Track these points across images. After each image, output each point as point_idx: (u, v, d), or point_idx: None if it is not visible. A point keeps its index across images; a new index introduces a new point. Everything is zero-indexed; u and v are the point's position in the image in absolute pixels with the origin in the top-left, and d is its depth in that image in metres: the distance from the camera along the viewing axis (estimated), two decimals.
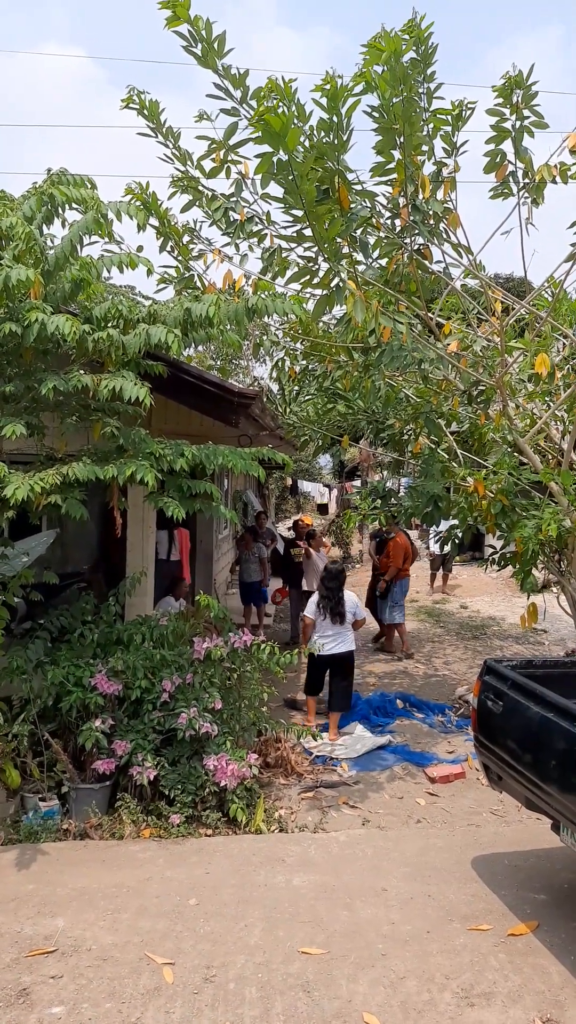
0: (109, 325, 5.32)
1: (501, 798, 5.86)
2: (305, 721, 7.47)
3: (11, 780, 5.32)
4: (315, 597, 7.59)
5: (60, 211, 5.54)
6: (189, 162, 6.56)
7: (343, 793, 6.21)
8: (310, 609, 7.53)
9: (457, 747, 7.26)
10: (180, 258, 7.14)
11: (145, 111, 6.32)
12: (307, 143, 5.60)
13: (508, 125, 5.99)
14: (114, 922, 4.21)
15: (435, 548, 14.57)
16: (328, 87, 5.43)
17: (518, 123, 5.96)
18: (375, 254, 6.61)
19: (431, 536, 14.54)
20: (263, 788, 5.97)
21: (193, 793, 5.40)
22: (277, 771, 6.42)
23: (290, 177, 5.40)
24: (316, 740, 6.69)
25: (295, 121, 5.33)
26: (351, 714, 7.88)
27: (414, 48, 5.61)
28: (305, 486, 32.02)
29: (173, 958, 3.90)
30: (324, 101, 5.47)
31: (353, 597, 7.62)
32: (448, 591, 15.94)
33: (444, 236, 6.45)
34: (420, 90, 5.79)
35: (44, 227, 5.62)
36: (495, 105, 5.93)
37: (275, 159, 5.39)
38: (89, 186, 5.56)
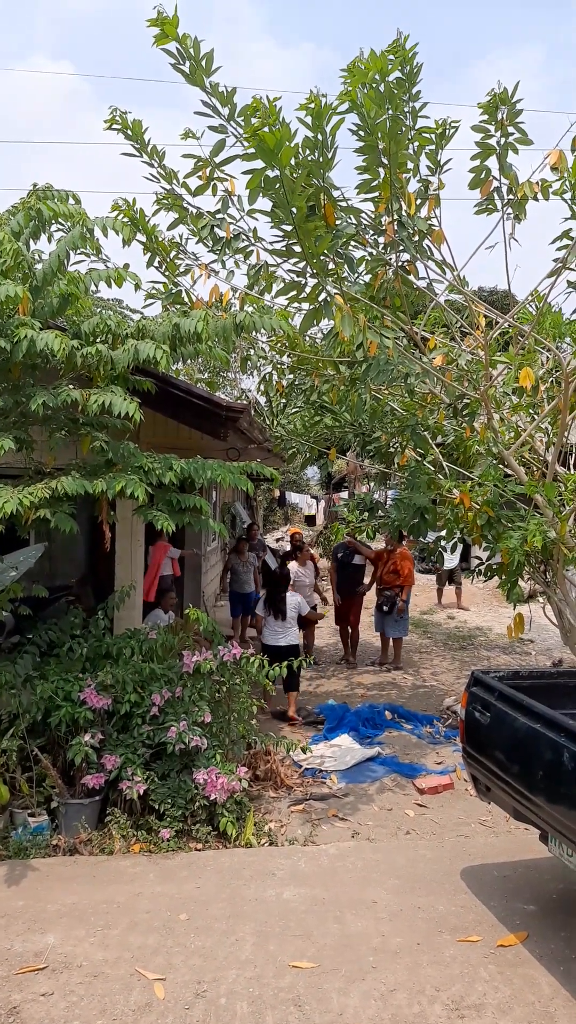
0: (98, 340, 5.35)
1: (490, 809, 5.88)
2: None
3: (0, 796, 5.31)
4: (263, 597, 8.70)
5: (47, 226, 5.59)
6: (175, 180, 6.61)
7: (333, 806, 6.22)
8: (260, 607, 8.63)
9: (445, 758, 7.29)
10: (168, 273, 7.18)
11: (128, 131, 6.37)
12: (293, 160, 5.66)
13: (493, 142, 6.07)
14: (104, 938, 4.20)
15: (446, 563, 14.22)
16: (312, 106, 5.50)
17: (503, 140, 6.05)
18: (360, 269, 6.67)
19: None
20: (253, 801, 5.97)
21: (183, 807, 5.40)
22: (267, 784, 6.42)
23: (281, 192, 5.46)
24: (305, 753, 6.70)
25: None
26: (340, 726, 7.90)
27: (400, 68, 5.69)
28: (293, 498, 32.09)
29: (164, 973, 3.90)
30: (309, 120, 5.54)
31: (296, 598, 8.60)
32: (463, 606, 15.25)
33: (428, 252, 6.52)
34: (406, 109, 5.88)
35: (31, 242, 5.65)
36: (480, 122, 6.01)
37: (266, 175, 5.45)
38: (74, 201, 5.61)
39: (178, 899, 4.60)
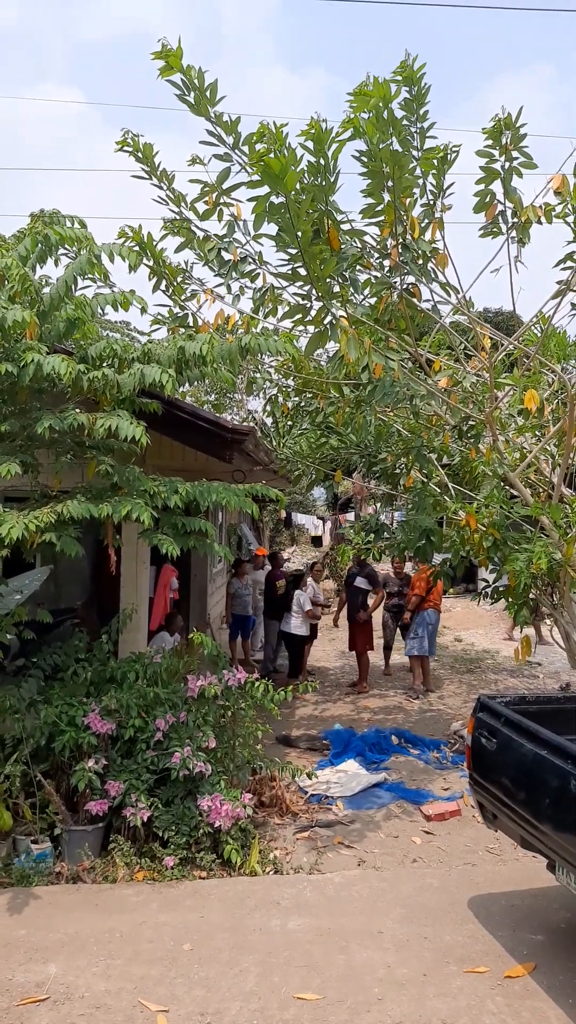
0: (104, 364, 5.38)
1: (497, 836, 5.80)
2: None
3: (2, 822, 5.26)
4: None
5: (54, 251, 5.64)
6: (183, 204, 6.66)
7: (338, 833, 6.14)
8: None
9: (452, 784, 7.21)
10: (174, 297, 7.22)
11: (139, 153, 6.43)
12: (298, 185, 5.71)
13: (497, 166, 6.11)
14: (107, 968, 4.15)
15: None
16: (314, 131, 5.55)
17: (507, 164, 6.09)
18: (366, 292, 6.70)
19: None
20: (258, 828, 5.90)
21: (187, 834, 5.34)
22: (272, 810, 6.35)
23: (287, 216, 5.50)
24: (311, 778, 6.63)
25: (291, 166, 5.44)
26: (346, 751, 7.83)
27: (406, 89, 5.76)
28: (299, 518, 32.06)
29: (167, 1005, 3.84)
30: (311, 145, 5.59)
31: (304, 596, 10.66)
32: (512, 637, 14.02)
33: (433, 275, 6.54)
34: (413, 130, 5.94)
35: (38, 267, 5.70)
36: (485, 147, 6.05)
37: (271, 200, 5.49)
38: (79, 226, 5.66)
39: (182, 929, 4.54)
